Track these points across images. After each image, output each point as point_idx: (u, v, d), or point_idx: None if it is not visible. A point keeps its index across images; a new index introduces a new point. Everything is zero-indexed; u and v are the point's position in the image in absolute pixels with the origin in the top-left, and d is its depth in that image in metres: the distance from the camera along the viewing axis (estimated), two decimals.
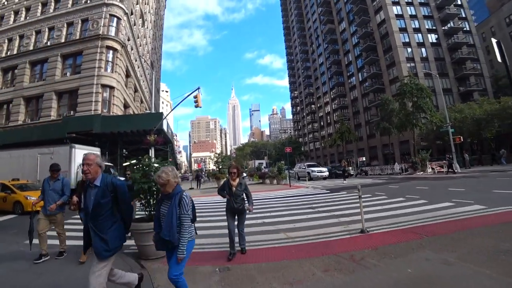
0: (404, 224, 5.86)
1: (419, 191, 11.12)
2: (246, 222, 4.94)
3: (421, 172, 23.81)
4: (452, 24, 43.56)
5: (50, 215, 4.78)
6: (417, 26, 43.41)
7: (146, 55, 41.79)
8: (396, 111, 31.96)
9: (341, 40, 58.14)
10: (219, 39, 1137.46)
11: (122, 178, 8.02)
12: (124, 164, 20.03)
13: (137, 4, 33.27)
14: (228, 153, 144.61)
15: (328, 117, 64.15)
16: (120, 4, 26.12)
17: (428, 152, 24.55)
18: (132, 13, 30.21)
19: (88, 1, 25.99)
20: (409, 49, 42.01)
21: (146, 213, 4.83)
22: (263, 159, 65.50)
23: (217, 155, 37.46)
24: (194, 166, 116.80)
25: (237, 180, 4.67)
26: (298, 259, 4.14)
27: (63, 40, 25.34)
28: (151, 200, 4.78)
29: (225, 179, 5.18)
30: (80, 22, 25.52)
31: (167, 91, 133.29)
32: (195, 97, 15.84)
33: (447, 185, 12.48)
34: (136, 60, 33.33)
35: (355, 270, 3.57)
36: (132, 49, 30.73)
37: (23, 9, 28.57)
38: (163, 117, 19.94)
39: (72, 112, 23.24)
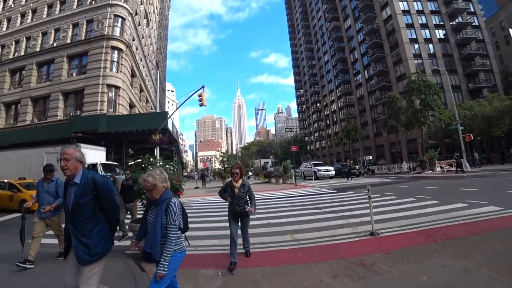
0: (416, 226, 5.60)
1: (429, 191, 10.79)
2: (251, 222, 4.75)
3: (430, 171, 23.32)
4: (460, 19, 42.66)
5: (45, 218, 4.60)
6: (424, 21, 42.64)
7: (151, 55, 41.90)
8: (404, 108, 31.39)
9: (347, 38, 57.49)
10: (224, 39, 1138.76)
11: (123, 177, 7.94)
12: (130, 164, 20.12)
13: (141, 4, 33.33)
14: (234, 152, 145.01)
15: (334, 115, 63.58)
16: (125, 5, 26.16)
17: (437, 150, 24.00)
18: (136, 14, 30.26)
19: (93, 2, 26.11)
20: (416, 46, 41.30)
21: None
22: (268, 158, 65.38)
23: (222, 154, 37.37)
24: (200, 165, 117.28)
25: (240, 181, 4.40)
26: (305, 263, 3.95)
27: (68, 41, 25.52)
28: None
29: (230, 179, 4.90)
30: (85, 23, 25.66)
31: (172, 91, 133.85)
32: (200, 95, 15.73)
33: (458, 185, 12.11)
34: (141, 60, 33.42)
35: (366, 277, 3.37)
36: (137, 49, 30.81)
37: (30, 11, 28.87)
38: (168, 116, 19.90)
39: (78, 112, 23.41)
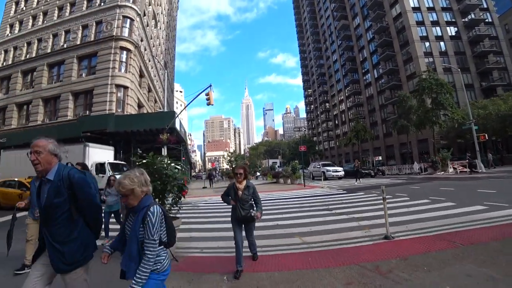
0: (433, 229, 5.28)
1: (444, 193, 10.38)
2: (258, 224, 4.51)
3: (442, 172, 22.66)
4: (473, 16, 41.49)
5: (39, 219, 4.39)
6: (435, 18, 41.65)
7: (160, 56, 42.19)
8: (415, 108, 30.66)
9: (355, 36, 56.76)
10: (232, 39, 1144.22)
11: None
12: (138, 163, 20.20)
13: (149, 5, 33.56)
14: (242, 152, 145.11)
15: (343, 115, 62.83)
16: (133, 6, 26.36)
17: (449, 151, 23.31)
18: (145, 14, 30.47)
19: (102, 4, 26.40)
20: (427, 43, 40.38)
21: None
22: (276, 158, 65.07)
23: (230, 154, 37.29)
24: (208, 165, 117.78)
25: (244, 182, 4.01)
26: (316, 269, 3.71)
27: (78, 42, 25.87)
28: (157, 200, 4.49)
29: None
30: (94, 24, 25.97)
31: (181, 91, 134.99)
32: (207, 94, 15.63)
33: (474, 186, 11.64)
34: (149, 61, 33.65)
35: (383, 285, 3.10)
36: (145, 50, 31.02)
37: (41, 13, 29.43)
38: (176, 116, 19.89)
39: (87, 112, 23.69)
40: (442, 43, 40.71)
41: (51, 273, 2.05)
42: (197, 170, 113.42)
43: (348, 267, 3.69)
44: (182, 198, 4.83)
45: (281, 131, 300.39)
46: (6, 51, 30.07)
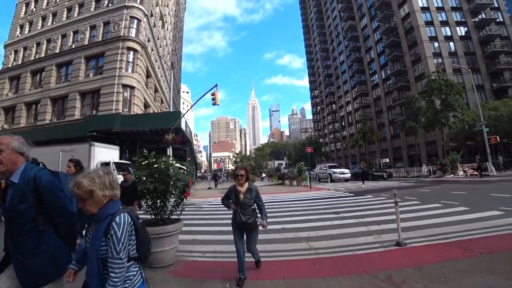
0: (448, 236, 5.00)
1: (456, 196, 10.02)
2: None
3: (452, 175, 22.13)
4: (483, 15, 40.66)
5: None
6: (444, 18, 40.94)
7: (167, 56, 42.38)
8: (423, 109, 30.09)
9: (363, 37, 56.18)
10: (238, 40, 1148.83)
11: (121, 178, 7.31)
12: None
13: (156, 6, 33.72)
14: (248, 153, 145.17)
15: (350, 116, 62.23)
16: (140, 6, 26.48)
17: (459, 153, 22.76)
18: (152, 15, 30.60)
19: (110, 4, 26.59)
20: (436, 44, 39.70)
21: (152, 216, 4.40)
22: (282, 159, 64.75)
23: (236, 154, 37.09)
24: (214, 166, 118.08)
25: (246, 185, 3.63)
26: (324, 278, 3.50)
27: (86, 43, 26.09)
28: (158, 201, 4.34)
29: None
30: (102, 24, 26.17)
31: (187, 92, 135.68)
32: (213, 94, 15.53)
33: (487, 190, 11.24)
34: (156, 61, 33.78)
35: None
36: (152, 50, 31.14)
37: (50, 14, 29.79)
38: (181, 116, 19.85)
39: (94, 111, 23.83)
40: (451, 44, 39.97)
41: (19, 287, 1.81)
42: (202, 171, 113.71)
43: (359, 276, 3.47)
44: (185, 200, 4.65)
45: (287, 133, 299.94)
46: (16, 52, 30.54)
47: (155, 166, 4.28)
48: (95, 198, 1.54)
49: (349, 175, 25.05)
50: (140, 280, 1.62)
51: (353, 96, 59.86)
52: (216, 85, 15.47)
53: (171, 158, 4.94)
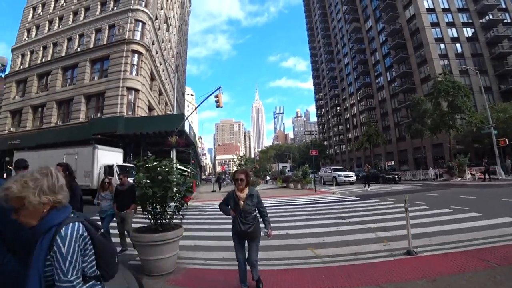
0: (461, 244, 4.77)
1: (466, 201, 9.72)
2: None
3: (459, 179, 21.72)
4: (490, 16, 40.03)
5: None
6: (450, 20, 40.44)
7: (171, 59, 42.56)
8: (430, 111, 29.64)
9: (368, 39, 55.85)
10: (243, 43, 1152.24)
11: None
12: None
13: (161, 9, 33.92)
14: (252, 155, 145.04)
15: (355, 119, 61.78)
16: (145, 9, 26.64)
17: (467, 156, 22.29)
18: (156, 18, 30.77)
19: (115, 8, 26.80)
20: (442, 45, 39.21)
21: (152, 221, 4.26)
22: (287, 162, 64.54)
23: (240, 157, 36.99)
24: (218, 169, 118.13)
25: (246, 190, 3.31)
26: None
27: (91, 46, 26.30)
28: (158, 207, 4.20)
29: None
30: (107, 28, 26.36)
31: (192, 95, 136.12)
32: (216, 96, 15.45)
33: (498, 195, 10.91)
34: (160, 64, 33.93)
35: None
36: (156, 53, 31.29)
37: (57, 18, 30.15)
38: (185, 118, 19.80)
39: (99, 114, 23.96)
40: (458, 45, 39.45)
41: None
42: (207, 173, 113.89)
43: None
44: (188, 203, 4.50)
45: (291, 135, 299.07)
46: (23, 55, 30.92)
47: (156, 170, 4.15)
48: (29, 207, 1.22)
49: (354, 178, 24.73)
50: None
51: (358, 98, 59.43)
52: (219, 88, 15.39)
53: (174, 161, 4.81)
